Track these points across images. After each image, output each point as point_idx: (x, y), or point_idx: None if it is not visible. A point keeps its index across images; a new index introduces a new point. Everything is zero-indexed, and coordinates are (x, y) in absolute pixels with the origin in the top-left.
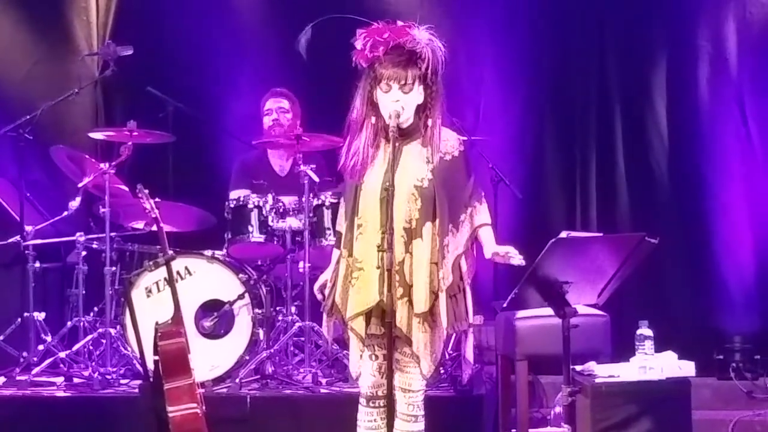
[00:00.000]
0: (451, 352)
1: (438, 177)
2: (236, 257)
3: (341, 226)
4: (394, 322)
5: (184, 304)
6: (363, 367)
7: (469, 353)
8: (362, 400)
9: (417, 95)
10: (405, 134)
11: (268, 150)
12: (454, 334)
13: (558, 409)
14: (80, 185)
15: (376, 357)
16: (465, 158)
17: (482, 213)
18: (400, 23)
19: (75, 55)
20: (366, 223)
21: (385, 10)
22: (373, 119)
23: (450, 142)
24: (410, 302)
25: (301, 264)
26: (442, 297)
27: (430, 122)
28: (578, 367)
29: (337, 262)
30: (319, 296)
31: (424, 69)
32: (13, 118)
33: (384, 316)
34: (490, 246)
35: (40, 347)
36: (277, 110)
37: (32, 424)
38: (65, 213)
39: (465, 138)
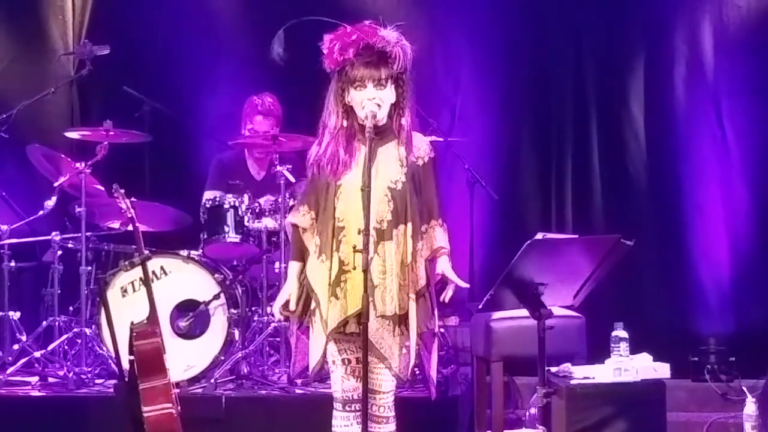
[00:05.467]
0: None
1: (410, 181)
2: (212, 257)
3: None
4: (366, 324)
5: (160, 304)
6: (336, 372)
7: (433, 372)
8: (337, 405)
9: (390, 94)
10: (380, 134)
11: (246, 152)
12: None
13: (533, 411)
14: (56, 184)
15: (348, 361)
16: (434, 165)
17: (443, 236)
18: (366, 23)
19: (51, 54)
20: (348, 225)
21: (363, 11)
22: (346, 122)
23: (422, 147)
24: (373, 304)
25: (276, 264)
26: (413, 300)
27: (403, 121)
28: (553, 369)
29: (302, 272)
30: (280, 316)
31: (395, 68)
32: None
33: (361, 317)
34: (444, 266)
35: (15, 347)
36: (263, 133)
37: (6, 424)
38: (41, 212)
39: (441, 139)
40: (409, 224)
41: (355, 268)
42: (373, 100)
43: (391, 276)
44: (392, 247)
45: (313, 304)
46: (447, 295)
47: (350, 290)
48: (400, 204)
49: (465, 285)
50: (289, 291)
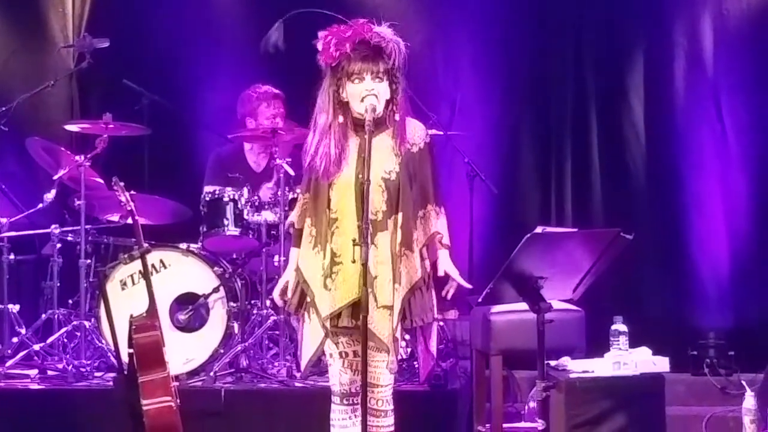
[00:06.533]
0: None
1: (404, 169)
2: (211, 250)
3: (301, 222)
4: (366, 318)
5: (159, 297)
6: (333, 365)
7: (433, 347)
8: (335, 399)
9: (386, 88)
10: (375, 126)
11: (245, 145)
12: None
13: (532, 404)
14: (55, 177)
15: (346, 354)
16: (431, 150)
17: (437, 221)
18: (360, 20)
19: (51, 47)
20: (341, 217)
21: (363, 5)
22: (341, 118)
23: (417, 133)
24: (374, 294)
25: (276, 257)
26: (399, 291)
27: (396, 117)
28: (553, 363)
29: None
30: (279, 302)
31: (391, 63)
32: None
33: (355, 310)
34: (446, 263)
35: (14, 340)
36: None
37: (6, 417)
38: (40, 205)
39: (441, 133)
40: (400, 214)
41: (354, 261)
42: (371, 91)
43: (386, 266)
44: (387, 237)
45: (308, 298)
46: (449, 292)
47: (341, 282)
48: (393, 194)
49: (467, 285)
50: (287, 277)
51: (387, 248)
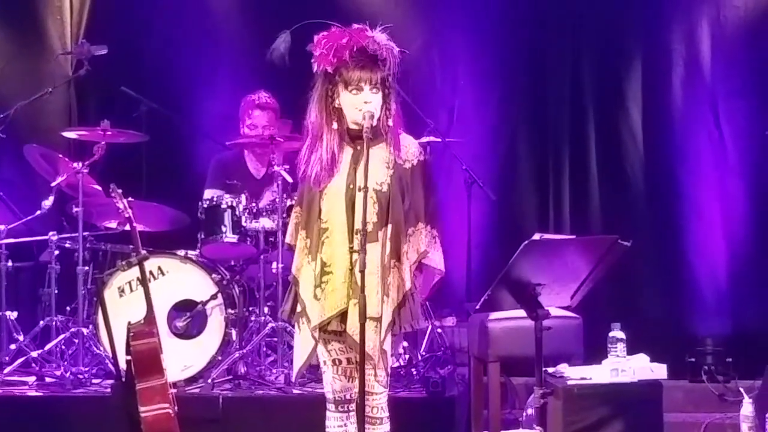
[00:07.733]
0: (423, 353)
1: (396, 181)
2: (209, 257)
3: (294, 238)
4: (363, 325)
5: (157, 304)
6: (327, 372)
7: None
8: (330, 406)
9: (381, 96)
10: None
11: (246, 152)
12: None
13: (530, 411)
14: (53, 184)
15: (339, 361)
16: (425, 168)
17: (426, 239)
18: (355, 26)
19: (49, 54)
20: (331, 226)
21: (361, 12)
22: (335, 125)
23: (410, 150)
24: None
25: (274, 264)
26: (387, 303)
27: (390, 122)
28: (550, 369)
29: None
30: None
31: (386, 70)
32: None
33: (343, 316)
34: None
35: (12, 346)
36: (263, 127)
37: (3, 424)
38: (38, 212)
39: (438, 140)
40: (390, 226)
41: (351, 269)
42: (369, 104)
43: (376, 278)
44: (377, 248)
45: (299, 307)
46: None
47: (330, 292)
48: (384, 206)
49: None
50: None
51: (377, 259)
